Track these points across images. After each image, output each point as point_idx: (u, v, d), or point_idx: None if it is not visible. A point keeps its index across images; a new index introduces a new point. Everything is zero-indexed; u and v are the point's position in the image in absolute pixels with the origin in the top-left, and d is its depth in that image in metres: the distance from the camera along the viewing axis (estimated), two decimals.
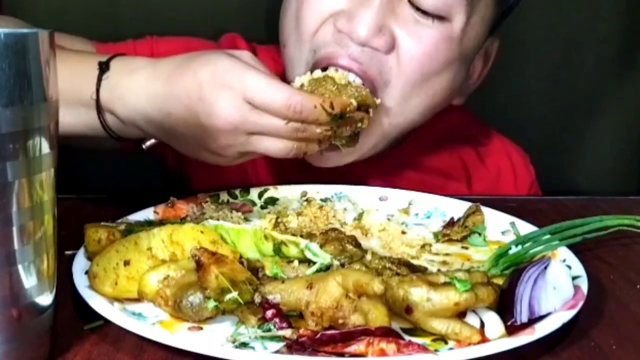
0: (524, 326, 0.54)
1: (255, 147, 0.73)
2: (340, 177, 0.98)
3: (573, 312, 0.56)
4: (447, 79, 0.90)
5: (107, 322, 0.56)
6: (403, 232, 0.81)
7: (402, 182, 1.02)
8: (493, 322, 0.55)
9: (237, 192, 0.88)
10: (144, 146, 0.80)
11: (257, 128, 0.71)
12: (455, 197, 0.88)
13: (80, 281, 0.60)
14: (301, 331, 0.53)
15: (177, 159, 1.06)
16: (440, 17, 0.84)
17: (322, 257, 0.63)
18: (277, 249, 0.64)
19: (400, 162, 1.03)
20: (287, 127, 0.71)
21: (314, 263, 0.63)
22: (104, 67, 0.75)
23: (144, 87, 0.73)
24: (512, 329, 0.54)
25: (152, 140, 0.79)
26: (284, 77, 1.02)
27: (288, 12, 0.91)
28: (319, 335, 0.52)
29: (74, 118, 0.76)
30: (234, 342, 0.53)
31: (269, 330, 0.54)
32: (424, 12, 0.83)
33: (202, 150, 0.74)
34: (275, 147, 0.72)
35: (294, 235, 0.67)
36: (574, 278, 0.61)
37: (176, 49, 0.98)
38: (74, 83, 0.74)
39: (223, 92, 0.70)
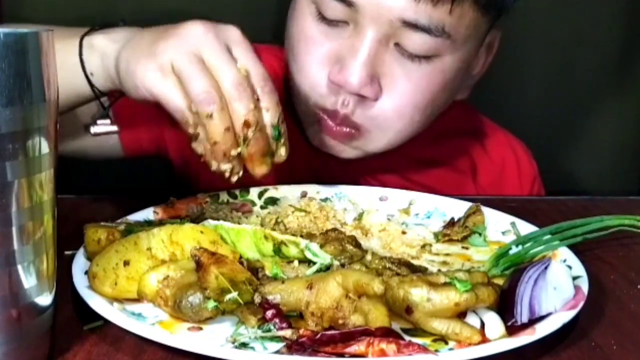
0: (525, 326, 0.54)
1: (180, 73, 0.66)
2: (347, 170, 0.99)
3: (573, 312, 0.56)
4: (447, 96, 0.92)
5: (107, 322, 0.56)
6: (403, 232, 0.81)
7: (409, 176, 1.02)
8: (493, 323, 0.55)
9: (237, 192, 0.88)
10: (92, 131, 0.79)
11: (208, 61, 0.66)
12: (455, 197, 0.88)
13: (80, 281, 0.60)
14: (301, 331, 0.53)
15: (182, 157, 1.06)
16: (427, 57, 0.85)
17: (322, 257, 0.62)
18: (277, 249, 0.64)
19: (406, 155, 1.04)
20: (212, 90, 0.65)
21: (314, 263, 0.63)
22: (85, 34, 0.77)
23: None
24: (512, 329, 0.54)
25: (103, 127, 0.78)
26: (286, 80, 1.02)
27: (288, 41, 0.93)
28: (319, 336, 0.52)
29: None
30: (233, 342, 0.53)
31: (269, 330, 0.54)
32: (412, 55, 0.85)
33: (144, 52, 0.69)
34: (178, 99, 0.66)
35: (294, 235, 0.67)
36: (574, 278, 0.61)
37: None
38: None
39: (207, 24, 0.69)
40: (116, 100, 0.80)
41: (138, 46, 0.70)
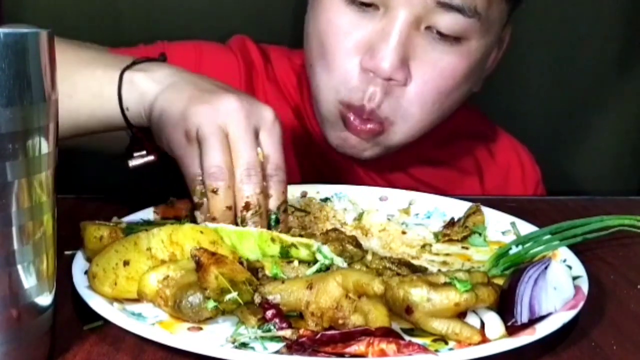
0: (525, 326, 0.54)
1: (202, 140, 0.67)
2: (354, 169, 0.99)
3: (574, 312, 0.56)
4: (467, 87, 0.93)
5: (107, 322, 0.56)
6: (403, 232, 0.81)
7: (418, 177, 1.03)
8: (493, 323, 0.55)
9: None
10: (130, 165, 0.80)
11: (232, 138, 0.67)
12: (455, 197, 0.88)
13: (80, 281, 0.60)
14: (301, 331, 0.53)
15: None
16: (456, 39, 0.87)
17: (335, 259, 0.62)
18: (285, 252, 0.63)
19: (414, 157, 1.05)
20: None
21: (314, 263, 0.63)
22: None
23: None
24: (512, 329, 0.54)
25: (140, 160, 0.79)
26: (298, 81, 1.03)
27: (312, 37, 0.93)
28: (319, 336, 0.52)
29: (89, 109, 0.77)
30: (233, 342, 0.53)
31: (269, 330, 0.54)
32: (442, 36, 0.86)
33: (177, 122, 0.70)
34: (193, 172, 0.68)
35: (301, 236, 0.66)
36: (574, 278, 0.61)
37: (187, 54, 1.00)
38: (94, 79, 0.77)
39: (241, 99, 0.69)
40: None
41: (175, 100, 0.71)
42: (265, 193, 0.68)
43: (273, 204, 0.69)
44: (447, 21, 0.85)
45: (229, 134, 0.67)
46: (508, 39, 1.00)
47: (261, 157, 0.68)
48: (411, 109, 0.90)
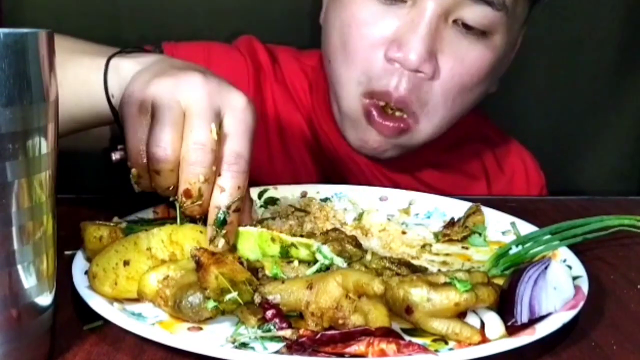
0: (525, 326, 0.54)
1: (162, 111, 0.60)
2: (363, 171, 0.99)
3: (573, 312, 0.56)
4: (487, 85, 0.93)
5: (107, 323, 0.56)
6: (403, 232, 0.81)
7: (425, 180, 1.03)
8: (493, 323, 0.55)
9: None
10: (113, 158, 0.76)
11: (187, 114, 0.59)
12: (455, 197, 0.88)
13: (80, 281, 0.60)
14: (301, 331, 0.53)
15: None
16: (483, 33, 0.87)
17: (334, 259, 0.62)
18: (285, 252, 0.61)
19: (423, 161, 1.05)
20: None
21: (314, 263, 0.63)
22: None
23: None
24: (512, 329, 0.54)
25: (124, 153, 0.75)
26: (309, 83, 1.02)
27: (333, 31, 0.92)
28: (319, 336, 0.52)
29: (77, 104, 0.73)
30: (233, 342, 0.53)
31: (269, 330, 0.54)
32: (469, 29, 0.86)
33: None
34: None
35: (301, 236, 0.66)
36: (574, 278, 0.61)
37: (196, 55, 0.99)
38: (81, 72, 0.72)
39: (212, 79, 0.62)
40: None
41: (142, 74, 0.65)
42: (210, 182, 0.59)
43: (223, 199, 0.59)
44: (476, 14, 0.84)
45: (186, 110, 0.59)
46: (520, 39, 1.00)
47: (214, 135, 0.58)
48: (435, 104, 0.88)
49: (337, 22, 0.91)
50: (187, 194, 0.59)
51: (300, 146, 1.02)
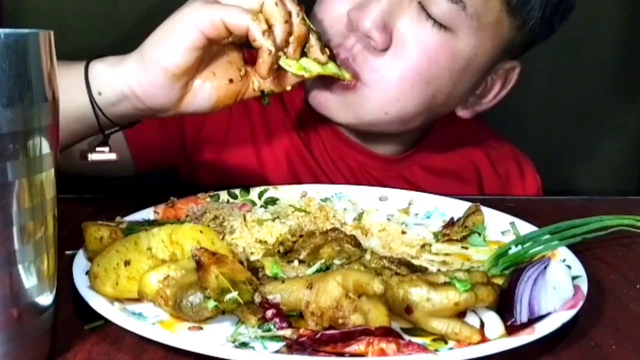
0: (524, 326, 0.54)
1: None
2: (355, 175, 0.99)
3: (573, 312, 0.56)
4: (449, 85, 0.91)
5: (108, 322, 0.56)
6: (403, 232, 0.81)
7: (418, 184, 1.03)
8: (493, 322, 0.55)
9: (237, 191, 0.88)
10: (89, 159, 0.78)
11: None
12: (455, 197, 0.88)
13: (81, 281, 0.60)
14: (301, 331, 0.53)
15: (189, 172, 1.07)
16: (444, 27, 0.86)
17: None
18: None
19: (415, 164, 1.05)
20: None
21: (314, 263, 0.63)
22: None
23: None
24: (511, 329, 0.55)
25: (101, 155, 0.77)
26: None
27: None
28: (319, 335, 0.52)
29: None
30: (234, 342, 0.54)
31: (269, 330, 0.54)
32: (429, 17, 0.86)
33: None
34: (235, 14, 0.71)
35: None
36: (573, 278, 0.61)
37: None
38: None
39: None
40: (117, 131, 0.79)
41: (167, 22, 0.73)
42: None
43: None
44: (435, 4, 0.85)
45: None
46: (515, 79, 0.99)
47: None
48: (388, 78, 0.88)
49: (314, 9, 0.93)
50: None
51: (289, 150, 1.03)
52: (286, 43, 0.74)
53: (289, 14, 0.73)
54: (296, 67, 0.75)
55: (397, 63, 0.87)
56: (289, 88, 0.79)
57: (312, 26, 0.77)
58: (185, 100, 0.75)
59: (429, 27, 0.86)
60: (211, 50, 0.74)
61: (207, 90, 0.75)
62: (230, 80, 0.76)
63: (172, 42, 0.71)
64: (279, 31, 0.72)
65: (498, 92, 0.99)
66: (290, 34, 0.74)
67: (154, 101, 0.74)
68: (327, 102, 0.91)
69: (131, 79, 0.73)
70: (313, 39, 0.77)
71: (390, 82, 0.88)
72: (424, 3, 0.86)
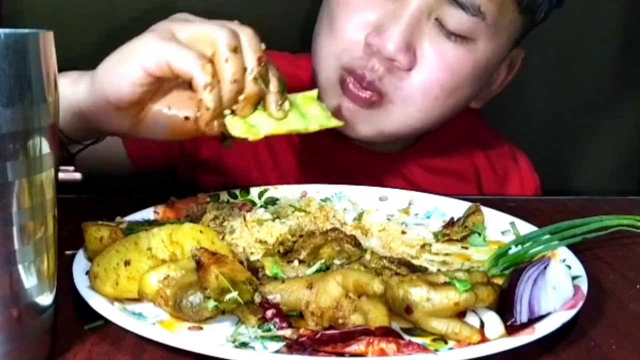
0: (524, 326, 0.54)
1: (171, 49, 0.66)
2: (354, 175, 0.99)
3: (573, 312, 0.56)
4: (470, 92, 0.94)
5: (108, 322, 0.56)
6: (403, 232, 0.81)
7: (417, 183, 1.03)
8: (493, 322, 0.55)
9: (237, 192, 0.88)
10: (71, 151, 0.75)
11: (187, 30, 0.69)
12: (455, 197, 0.88)
13: (81, 281, 0.60)
14: (301, 331, 0.53)
15: (189, 172, 1.07)
16: (464, 38, 0.87)
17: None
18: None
19: (414, 163, 1.05)
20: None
21: (314, 263, 0.63)
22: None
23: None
24: (511, 329, 0.55)
25: (66, 175, 0.72)
26: (304, 84, 1.02)
27: (325, 7, 0.94)
28: (319, 335, 0.52)
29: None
30: (234, 342, 0.54)
31: (269, 330, 0.54)
32: (449, 32, 0.87)
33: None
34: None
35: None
36: (573, 278, 0.61)
37: None
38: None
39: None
40: (84, 148, 0.76)
41: (121, 49, 0.69)
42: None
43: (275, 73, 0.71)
44: (454, 17, 0.86)
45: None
46: (519, 64, 1.01)
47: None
48: (413, 95, 0.89)
49: (327, 3, 0.93)
50: (259, 60, 0.68)
51: (289, 150, 1.03)
52: (235, 101, 0.68)
53: (244, 69, 0.67)
54: (243, 129, 0.68)
55: (421, 79, 0.88)
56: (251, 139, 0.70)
57: (276, 79, 0.70)
58: (141, 127, 0.71)
59: (450, 42, 0.87)
60: (164, 84, 0.69)
61: (162, 122, 0.70)
62: (187, 118, 0.69)
63: (118, 75, 0.67)
64: (225, 91, 0.66)
65: (504, 78, 1.01)
66: (240, 92, 0.67)
67: (106, 127, 0.72)
68: (347, 118, 0.91)
69: (82, 101, 0.70)
70: (271, 96, 0.69)
71: (416, 97, 0.89)
72: (442, 18, 0.86)
